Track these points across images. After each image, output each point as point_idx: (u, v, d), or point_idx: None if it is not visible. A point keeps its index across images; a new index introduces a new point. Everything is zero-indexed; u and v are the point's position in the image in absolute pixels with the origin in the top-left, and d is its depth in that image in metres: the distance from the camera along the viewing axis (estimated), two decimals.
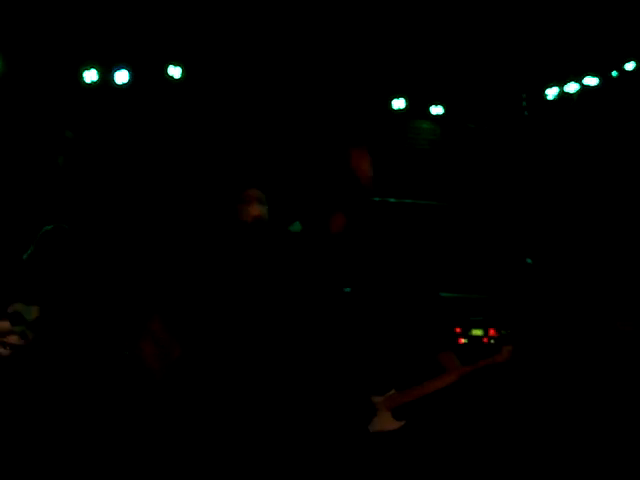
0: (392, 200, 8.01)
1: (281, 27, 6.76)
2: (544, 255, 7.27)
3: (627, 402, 2.70)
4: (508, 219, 8.16)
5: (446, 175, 8.22)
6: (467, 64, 7.56)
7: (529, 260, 7.09)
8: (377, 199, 8.02)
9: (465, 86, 7.90)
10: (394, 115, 7.86)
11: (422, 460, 3.17)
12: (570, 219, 7.68)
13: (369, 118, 7.77)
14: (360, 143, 3.80)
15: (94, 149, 6.81)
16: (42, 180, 6.52)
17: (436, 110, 7.95)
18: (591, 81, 7.61)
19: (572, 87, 7.73)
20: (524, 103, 8.20)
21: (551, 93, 7.87)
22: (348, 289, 3.89)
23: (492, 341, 6.57)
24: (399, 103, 7.71)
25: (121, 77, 6.70)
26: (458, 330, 6.40)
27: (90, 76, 6.62)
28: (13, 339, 3.36)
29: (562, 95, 7.84)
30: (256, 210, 3.66)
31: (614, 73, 7.45)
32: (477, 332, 6.57)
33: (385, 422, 3.41)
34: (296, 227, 3.67)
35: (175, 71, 6.84)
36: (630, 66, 7.36)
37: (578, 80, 7.67)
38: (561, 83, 7.80)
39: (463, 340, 6.48)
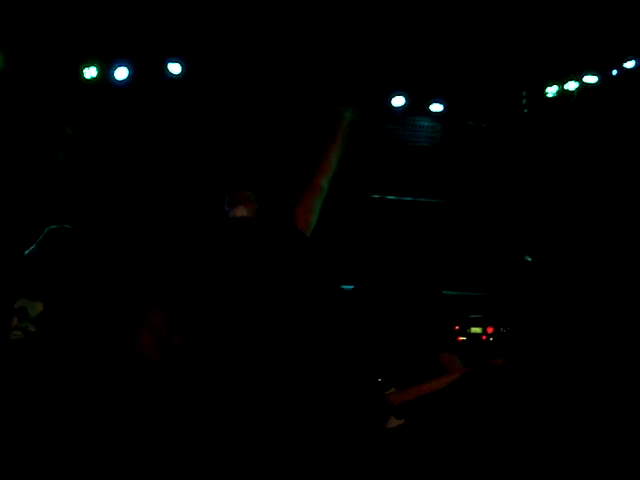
0: (391, 198, 8.03)
1: (281, 24, 6.75)
2: (543, 253, 7.28)
3: (629, 402, 2.70)
4: (507, 217, 8.17)
5: (445, 173, 8.22)
6: (467, 62, 7.56)
7: (528, 258, 7.10)
8: (376, 197, 8.03)
9: (465, 84, 7.90)
10: (393, 112, 7.86)
11: (422, 458, 3.18)
12: (570, 217, 7.69)
13: (368, 115, 7.78)
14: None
15: (94, 145, 6.81)
16: (42, 176, 6.53)
17: (436, 107, 7.95)
18: (591, 79, 7.62)
19: (572, 85, 7.74)
20: (524, 101, 8.20)
21: (551, 91, 7.87)
22: (347, 286, 3.90)
23: (491, 339, 6.59)
24: (398, 100, 7.71)
25: (121, 73, 6.69)
26: (457, 328, 6.41)
27: (90, 72, 6.61)
28: (17, 334, 3.43)
29: (562, 93, 7.84)
30: (241, 212, 3.72)
31: (614, 71, 7.46)
32: (476, 330, 6.59)
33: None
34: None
35: (175, 67, 6.83)
36: (630, 64, 7.37)
37: (578, 78, 7.68)
38: (561, 81, 7.80)
39: (462, 338, 6.49)
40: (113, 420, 3.05)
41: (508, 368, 3.15)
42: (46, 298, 3.57)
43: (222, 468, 2.73)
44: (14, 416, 3.18)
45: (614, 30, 7.05)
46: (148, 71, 6.82)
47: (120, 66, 6.69)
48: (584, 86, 7.68)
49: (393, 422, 3.41)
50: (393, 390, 3.49)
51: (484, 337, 6.61)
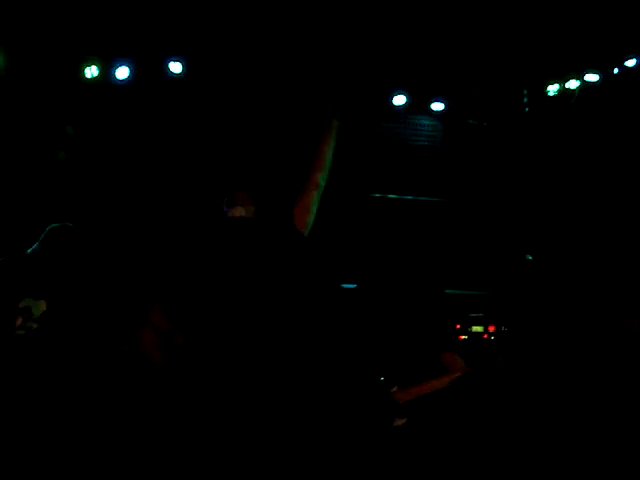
0: (393, 197, 8.03)
1: (281, 23, 6.75)
2: (545, 251, 7.28)
3: (630, 402, 2.70)
4: (508, 215, 8.17)
5: (446, 172, 8.22)
6: (468, 60, 7.55)
7: (529, 256, 7.09)
8: (377, 195, 8.03)
9: (466, 82, 7.89)
10: (394, 111, 7.86)
11: (424, 457, 3.18)
12: (571, 215, 7.68)
13: (369, 114, 7.78)
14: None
15: (95, 145, 6.80)
16: (43, 175, 6.52)
17: (437, 106, 7.95)
18: (592, 78, 7.61)
19: (573, 84, 7.73)
20: (525, 99, 8.20)
21: (552, 89, 7.87)
22: (348, 285, 3.90)
23: (492, 338, 6.59)
24: (399, 99, 7.70)
25: (122, 73, 6.69)
26: (458, 327, 6.41)
27: (91, 71, 6.61)
28: (22, 334, 3.45)
29: (563, 92, 7.83)
30: (239, 212, 3.73)
31: (615, 70, 7.45)
32: (477, 329, 6.58)
33: None
34: None
35: (176, 67, 6.82)
36: (631, 63, 7.36)
37: (579, 77, 7.67)
38: (562, 79, 7.79)
39: (463, 337, 6.49)
40: (115, 419, 3.05)
41: (509, 367, 3.15)
42: (49, 296, 3.58)
43: (227, 466, 2.73)
44: (18, 414, 3.18)
45: (615, 28, 7.04)
46: (149, 70, 6.81)
47: (121, 65, 6.68)
48: (585, 85, 7.68)
49: (396, 421, 3.40)
50: (395, 389, 3.49)
51: (485, 336, 6.60)
